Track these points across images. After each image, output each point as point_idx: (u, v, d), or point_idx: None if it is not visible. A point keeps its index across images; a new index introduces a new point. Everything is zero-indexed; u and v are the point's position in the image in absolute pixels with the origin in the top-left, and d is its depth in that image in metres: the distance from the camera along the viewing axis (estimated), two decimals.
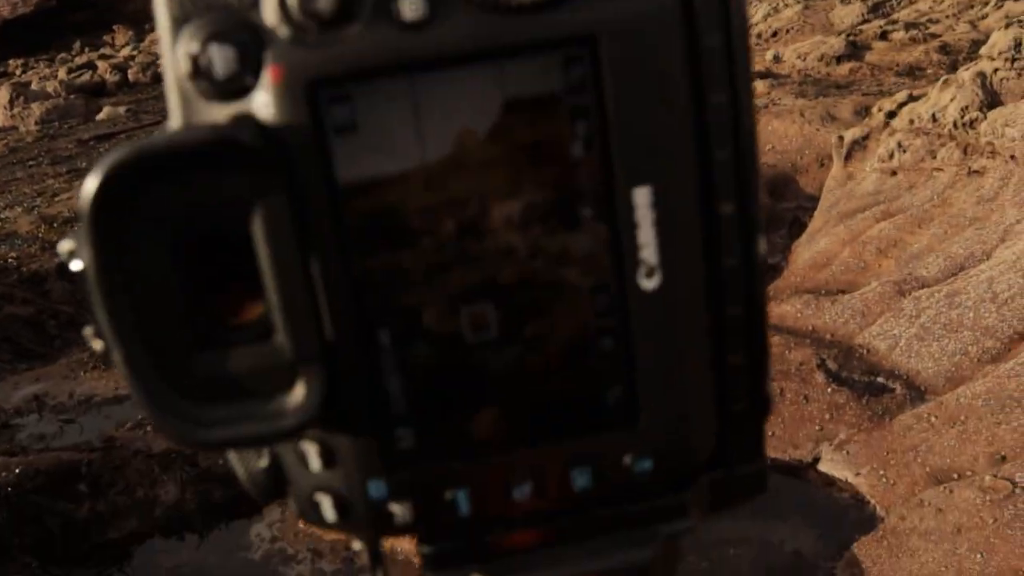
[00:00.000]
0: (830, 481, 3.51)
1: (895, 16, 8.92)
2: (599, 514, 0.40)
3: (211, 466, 4.03)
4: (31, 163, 10.55)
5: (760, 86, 7.17)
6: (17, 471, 4.01)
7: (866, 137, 5.67)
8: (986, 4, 8.33)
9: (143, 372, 0.34)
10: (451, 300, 0.36)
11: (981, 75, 5.60)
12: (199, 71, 0.33)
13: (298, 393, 0.35)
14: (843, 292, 4.47)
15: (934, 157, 5.26)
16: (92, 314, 0.34)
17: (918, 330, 3.93)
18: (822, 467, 3.54)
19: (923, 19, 8.58)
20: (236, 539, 3.87)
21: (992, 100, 5.45)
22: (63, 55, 17.49)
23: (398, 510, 0.38)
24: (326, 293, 0.35)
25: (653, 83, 0.34)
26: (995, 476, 3.09)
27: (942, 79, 5.79)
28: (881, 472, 3.38)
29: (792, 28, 9.73)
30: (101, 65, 15.73)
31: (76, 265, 0.34)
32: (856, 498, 3.42)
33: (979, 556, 2.86)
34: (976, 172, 5.00)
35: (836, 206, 5.35)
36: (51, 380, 5.27)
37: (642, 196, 0.35)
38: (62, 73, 15.37)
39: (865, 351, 3.99)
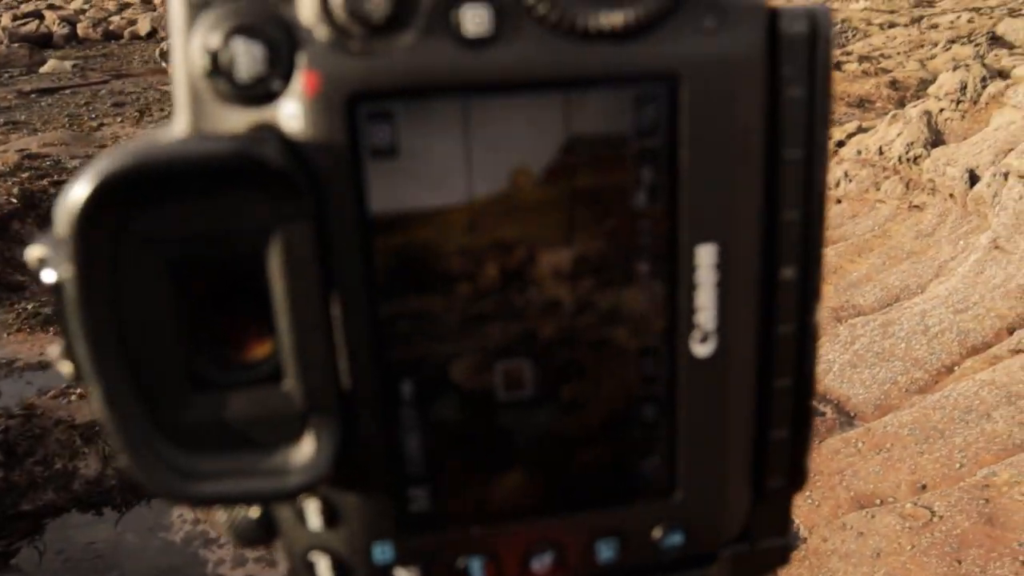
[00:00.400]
0: None
1: (850, 48, 9.16)
2: None
3: None
4: None
5: None
6: None
7: None
8: (935, 45, 8.61)
9: (125, 412, 0.29)
10: (485, 354, 0.33)
11: (928, 113, 5.78)
12: (218, 69, 0.29)
13: (306, 447, 0.31)
14: None
15: (878, 189, 5.42)
16: (65, 334, 0.29)
17: (851, 356, 4.04)
18: None
19: (876, 53, 8.82)
20: (157, 518, 3.77)
21: (936, 139, 5.64)
22: (8, 0, 16.80)
23: None
24: (347, 336, 0.31)
25: (731, 132, 0.31)
26: (915, 504, 3.19)
27: (891, 114, 5.96)
28: (808, 493, 3.46)
29: None
30: (49, 16, 15.14)
31: (48, 276, 0.28)
32: None
33: None
34: (916, 207, 5.16)
35: None
36: None
37: (706, 255, 0.32)
38: (6, 19, 14.74)
39: None
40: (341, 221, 0.30)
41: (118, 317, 0.29)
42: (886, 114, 6.16)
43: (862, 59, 8.59)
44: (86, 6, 16.14)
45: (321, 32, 0.29)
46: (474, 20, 0.29)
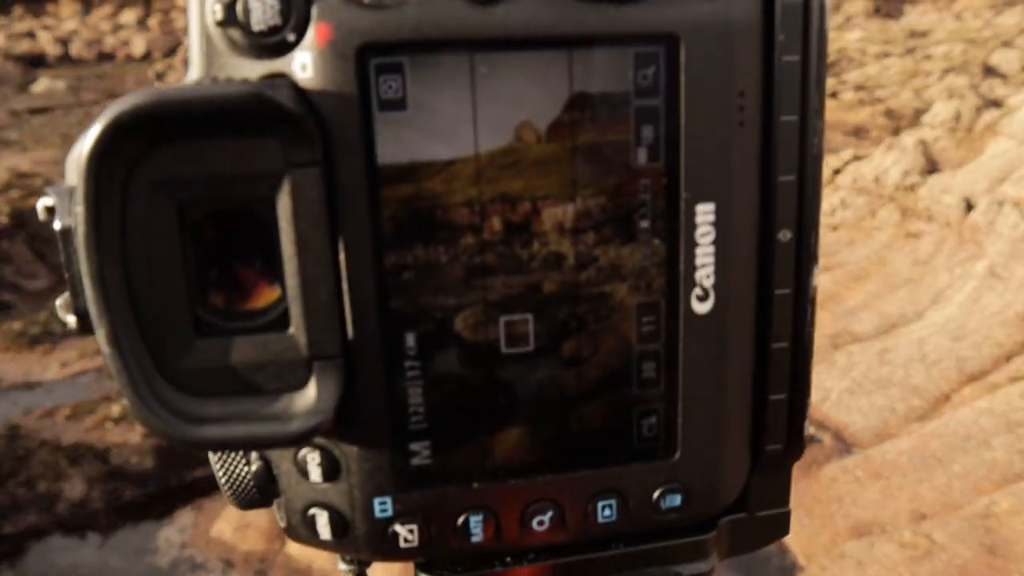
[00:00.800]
0: None
1: (845, 77, 9.23)
2: (618, 552, 0.38)
3: (123, 464, 3.85)
4: None
5: None
6: None
7: None
8: (928, 75, 8.68)
9: (130, 354, 0.30)
10: (487, 307, 0.33)
11: (923, 142, 5.81)
12: (232, 19, 0.29)
13: (310, 394, 0.32)
14: None
15: (874, 216, 5.43)
16: (73, 282, 0.29)
17: (849, 384, 4.01)
18: None
19: (871, 82, 8.89)
20: (143, 542, 3.69)
21: (932, 167, 5.66)
22: (1, 19, 16.83)
23: (404, 532, 0.35)
24: (352, 285, 0.32)
25: (729, 93, 0.33)
26: (914, 533, 3.15)
27: (886, 142, 5.99)
28: (805, 521, 3.42)
29: None
30: (42, 35, 15.18)
31: (59, 223, 0.29)
32: (779, 545, 3.44)
33: None
34: (913, 235, 5.16)
35: None
36: None
37: (705, 213, 0.33)
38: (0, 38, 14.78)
39: None
40: (350, 170, 0.31)
41: (125, 261, 0.29)
42: (881, 143, 6.19)
43: (857, 88, 8.66)
44: (79, 27, 16.19)
45: None
46: None
